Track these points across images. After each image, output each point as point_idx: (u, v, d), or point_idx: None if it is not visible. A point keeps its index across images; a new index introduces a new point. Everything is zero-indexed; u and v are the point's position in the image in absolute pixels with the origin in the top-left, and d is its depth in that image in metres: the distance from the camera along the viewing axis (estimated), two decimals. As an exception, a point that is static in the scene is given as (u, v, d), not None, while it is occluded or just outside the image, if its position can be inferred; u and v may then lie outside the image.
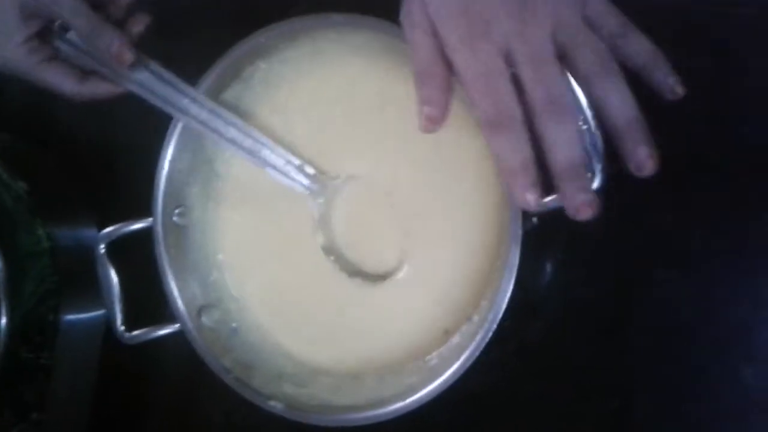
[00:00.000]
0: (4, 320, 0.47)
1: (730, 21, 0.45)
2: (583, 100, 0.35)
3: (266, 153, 0.46)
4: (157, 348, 0.48)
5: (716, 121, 0.45)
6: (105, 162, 0.56)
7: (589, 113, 0.35)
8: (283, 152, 0.46)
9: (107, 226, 0.48)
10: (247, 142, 0.46)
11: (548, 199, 0.36)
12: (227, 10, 0.56)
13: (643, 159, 0.34)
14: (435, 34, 0.36)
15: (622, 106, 0.35)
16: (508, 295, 0.38)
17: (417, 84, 0.36)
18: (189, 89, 0.45)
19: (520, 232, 0.38)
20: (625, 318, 0.46)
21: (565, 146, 0.34)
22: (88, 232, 0.53)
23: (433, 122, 0.36)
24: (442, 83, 0.36)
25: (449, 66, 0.36)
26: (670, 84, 0.36)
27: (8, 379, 0.47)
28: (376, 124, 0.45)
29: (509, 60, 0.35)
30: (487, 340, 0.39)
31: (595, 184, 0.35)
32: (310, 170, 0.46)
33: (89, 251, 0.48)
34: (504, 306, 0.39)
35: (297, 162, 0.46)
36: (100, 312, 0.52)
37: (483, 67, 0.35)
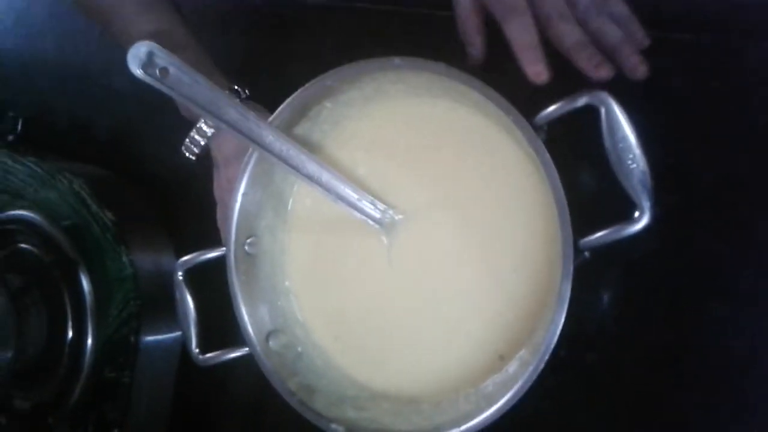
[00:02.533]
0: (90, 341, 0.51)
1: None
2: (632, 139, 0.37)
3: (341, 188, 0.48)
4: (227, 370, 0.51)
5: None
6: (183, 194, 0.60)
7: (637, 152, 0.37)
8: (357, 189, 0.48)
9: (184, 254, 0.52)
10: (324, 178, 0.48)
11: (599, 235, 0.38)
12: (296, 50, 0.60)
13: (635, 63, 0.44)
14: None
15: (613, 31, 0.45)
16: (560, 326, 0.40)
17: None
18: (271, 127, 0.48)
19: (571, 268, 0.39)
20: (679, 352, 0.47)
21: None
22: (167, 259, 0.57)
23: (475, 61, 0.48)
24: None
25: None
26: (638, 37, 0.46)
27: (92, 397, 0.50)
28: (432, 165, 0.48)
29: None
30: (540, 369, 0.41)
31: (644, 222, 0.37)
32: (381, 206, 0.48)
33: (168, 277, 0.51)
34: (557, 336, 0.40)
35: (369, 198, 0.48)
36: (177, 334, 0.55)
37: None
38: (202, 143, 0.52)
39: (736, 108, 0.46)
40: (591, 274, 0.42)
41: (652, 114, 0.45)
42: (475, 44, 0.48)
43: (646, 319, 0.47)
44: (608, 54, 0.45)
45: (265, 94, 0.52)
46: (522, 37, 0.44)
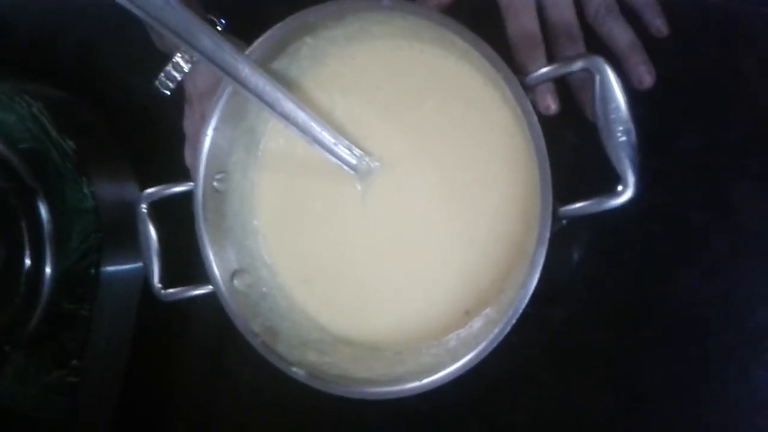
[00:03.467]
0: (48, 270, 0.49)
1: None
2: (624, 111, 0.36)
3: (317, 130, 0.46)
4: (190, 306, 0.51)
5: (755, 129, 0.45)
6: (151, 123, 0.58)
7: (629, 125, 0.36)
8: (333, 132, 0.46)
9: (149, 185, 0.50)
10: (300, 118, 0.46)
11: (579, 205, 0.37)
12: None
13: (642, 74, 0.44)
14: None
15: (623, 35, 0.45)
16: (530, 291, 0.39)
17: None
18: (248, 60, 0.45)
19: (547, 234, 0.38)
20: (645, 315, 0.47)
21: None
22: (130, 190, 0.55)
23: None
24: None
25: None
26: (657, 25, 0.45)
27: (50, 327, 0.49)
28: (413, 115, 0.46)
29: None
30: (506, 332, 0.41)
31: (628, 196, 0.36)
32: (357, 152, 0.47)
33: (131, 208, 0.50)
34: (526, 300, 0.40)
35: (345, 142, 0.47)
36: (139, 267, 0.54)
37: None
38: (179, 78, 0.50)
39: (726, 78, 0.45)
40: (564, 235, 0.42)
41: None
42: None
43: (616, 281, 0.48)
44: (617, 57, 0.44)
45: (244, 27, 0.49)
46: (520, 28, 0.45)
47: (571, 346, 0.50)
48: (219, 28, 0.52)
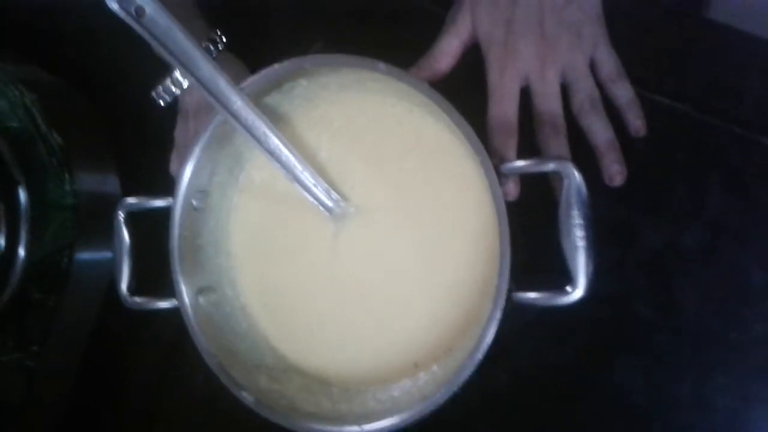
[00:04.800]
0: (21, 257, 0.51)
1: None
2: (586, 220, 0.38)
3: (298, 170, 0.48)
4: (154, 311, 0.52)
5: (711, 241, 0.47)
6: (143, 122, 0.58)
7: (588, 233, 0.38)
8: (314, 174, 0.48)
9: (131, 183, 0.51)
10: (284, 156, 0.47)
11: (531, 296, 0.40)
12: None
13: (614, 173, 0.46)
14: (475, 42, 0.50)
15: (602, 133, 0.47)
16: (477, 361, 0.41)
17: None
18: (241, 93, 0.46)
19: (498, 314, 0.40)
20: (581, 392, 0.50)
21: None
22: (111, 186, 0.56)
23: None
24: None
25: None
26: (637, 125, 0.47)
27: (16, 313, 0.51)
28: (394, 169, 0.48)
29: (526, 82, 0.48)
30: (449, 395, 0.43)
31: (577, 297, 0.38)
32: (335, 196, 0.48)
33: (110, 207, 0.50)
34: (471, 371, 0.42)
35: (324, 186, 0.48)
36: (110, 262, 0.55)
37: (502, 86, 0.48)
38: (176, 93, 0.51)
39: (695, 186, 0.47)
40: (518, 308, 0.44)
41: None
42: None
43: (559, 356, 0.50)
44: (594, 151, 0.47)
45: (246, 45, 0.50)
46: (505, 148, 0.47)
47: (510, 406, 0.52)
48: (220, 46, 0.53)
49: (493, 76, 0.49)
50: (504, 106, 0.47)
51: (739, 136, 0.45)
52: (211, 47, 0.52)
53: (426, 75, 0.49)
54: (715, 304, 0.45)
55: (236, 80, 0.47)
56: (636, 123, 0.47)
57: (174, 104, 0.53)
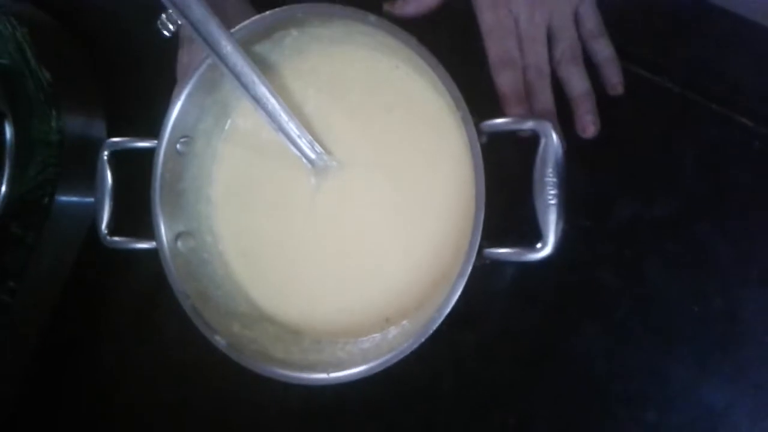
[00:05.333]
0: (3, 191, 0.51)
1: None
2: (559, 179, 0.39)
3: (284, 120, 0.48)
4: (133, 255, 0.52)
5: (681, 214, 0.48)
6: (130, 69, 0.59)
7: (560, 191, 0.39)
8: (299, 125, 0.48)
9: (117, 127, 0.51)
10: (270, 105, 0.48)
11: (501, 251, 0.41)
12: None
13: (587, 123, 0.47)
14: None
15: (579, 84, 0.48)
16: (444, 314, 0.42)
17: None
18: (231, 38, 0.46)
19: (469, 268, 0.41)
20: (544, 354, 0.51)
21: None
22: (97, 128, 0.56)
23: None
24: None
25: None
26: (614, 82, 0.49)
27: (-7, 246, 0.51)
28: (377, 124, 0.48)
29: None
30: (416, 345, 0.43)
31: (545, 254, 0.39)
32: (318, 149, 0.49)
33: (95, 147, 0.51)
34: (438, 323, 0.42)
35: (309, 138, 0.48)
36: (90, 204, 0.55)
37: (499, 23, 0.49)
38: (180, 22, 0.50)
39: (668, 159, 0.48)
40: (490, 267, 0.45)
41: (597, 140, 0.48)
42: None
43: (525, 318, 0.51)
44: (570, 103, 0.48)
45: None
46: (510, 89, 0.48)
47: (475, 367, 0.53)
48: None
49: (487, 15, 0.50)
50: (506, 42, 0.48)
51: (717, 113, 0.46)
52: None
53: (413, 10, 0.50)
54: (680, 277, 0.46)
55: (241, 20, 0.47)
56: (613, 80, 0.48)
57: (164, 54, 0.53)
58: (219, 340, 0.48)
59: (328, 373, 0.46)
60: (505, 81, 0.49)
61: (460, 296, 0.42)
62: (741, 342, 0.45)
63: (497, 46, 0.50)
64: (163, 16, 0.52)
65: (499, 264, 0.50)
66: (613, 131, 0.47)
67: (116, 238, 0.51)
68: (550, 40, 0.50)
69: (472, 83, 0.42)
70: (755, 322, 0.45)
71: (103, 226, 0.51)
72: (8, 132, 0.50)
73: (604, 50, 0.49)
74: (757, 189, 0.46)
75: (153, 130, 0.52)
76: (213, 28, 0.46)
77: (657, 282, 0.47)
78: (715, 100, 0.46)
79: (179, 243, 0.51)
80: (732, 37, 0.47)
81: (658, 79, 0.48)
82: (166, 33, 0.53)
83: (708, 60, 0.47)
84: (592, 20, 0.50)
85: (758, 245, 0.46)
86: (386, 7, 0.49)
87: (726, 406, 0.46)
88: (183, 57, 0.55)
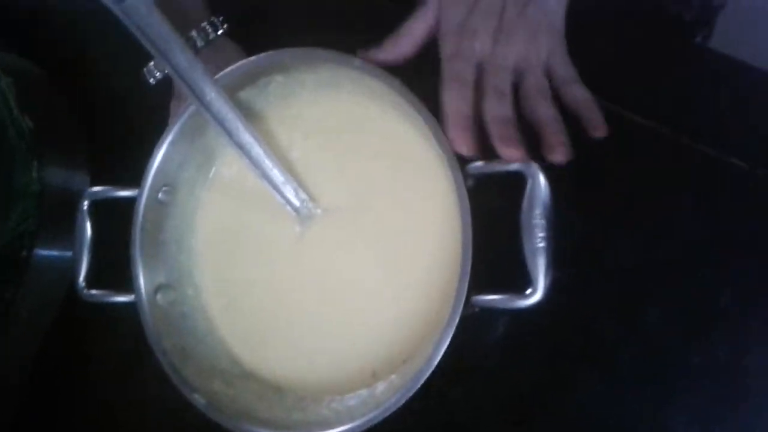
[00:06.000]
0: (-19, 242, 0.50)
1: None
2: (547, 221, 0.37)
3: (268, 167, 0.47)
4: (115, 310, 0.50)
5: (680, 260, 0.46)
6: (114, 118, 0.58)
7: (549, 234, 0.37)
8: (284, 172, 0.47)
9: (100, 178, 0.50)
10: (255, 152, 0.47)
11: (490, 298, 0.39)
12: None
13: (555, 143, 0.43)
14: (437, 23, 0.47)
15: (546, 111, 0.44)
16: (433, 367, 0.40)
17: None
18: (216, 85, 0.46)
19: (457, 318, 0.39)
20: (539, 409, 0.48)
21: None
22: (80, 180, 0.55)
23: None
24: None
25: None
26: (595, 123, 0.45)
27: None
28: (364, 171, 0.47)
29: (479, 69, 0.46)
30: (403, 401, 0.41)
31: (536, 299, 0.37)
32: (303, 196, 0.48)
33: (76, 198, 0.50)
34: (426, 376, 0.40)
35: (294, 184, 0.47)
36: (71, 258, 0.54)
37: (459, 53, 0.46)
38: (166, 70, 0.50)
39: (666, 204, 0.47)
40: (481, 317, 0.43)
41: (585, 183, 0.46)
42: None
43: (518, 371, 0.49)
44: (537, 130, 0.44)
45: (249, 32, 0.50)
46: (456, 104, 0.44)
47: (466, 423, 0.50)
48: (219, 31, 0.53)
49: (448, 47, 0.46)
50: (461, 65, 0.45)
51: (711, 157, 0.45)
52: (209, 29, 0.53)
53: (389, 57, 0.47)
54: (681, 325, 0.44)
55: (229, 65, 0.47)
56: (594, 121, 0.45)
57: (148, 98, 0.53)
58: (198, 399, 0.46)
59: (311, 432, 0.43)
60: (449, 98, 0.44)
61: (450, 348, 0.40)
62: (745, 394, 0.43)
63: (449, 95, 0.45)
64: (151, 64, 0.52)
65: (491, 314, 0.49)
66: (605, 178, 0.46)
67: (94, 292, 0.50)
68: (516, 80, 0.46)
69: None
70: (759, 375, 0.43)
71: (81, 278, 0.50)
72: (-13, 182, 0.50)
73: (581, 94, 0.46)
74: (759, 234, 0.44)
75: (137, 179, 0.51)
76: (197, 74, 0.46)
77: (656, 330, 0.44)
78: (708, 144, 0.45)
79: (159, 296, 0.50)
80: (722, 79, 0.46)
81: (650, 124, 0.47)
82: (151, 80, 0.53)
83: (698, 103, 0.47)
84: (565, 70, 0.47)
85: (761, 293, 0.44)
86: (360, 54, 0.47)
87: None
88: (176, 107, 0.54)
